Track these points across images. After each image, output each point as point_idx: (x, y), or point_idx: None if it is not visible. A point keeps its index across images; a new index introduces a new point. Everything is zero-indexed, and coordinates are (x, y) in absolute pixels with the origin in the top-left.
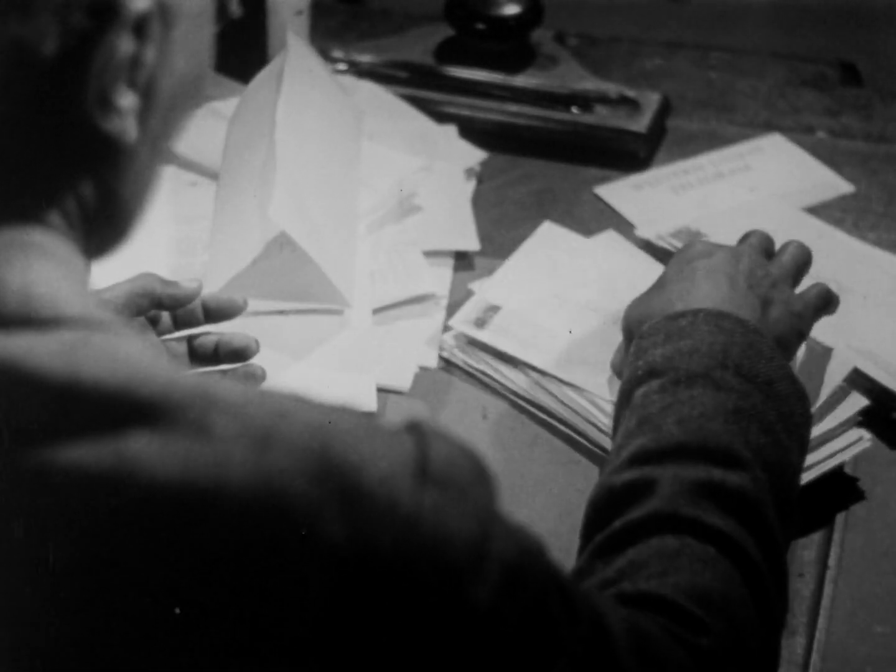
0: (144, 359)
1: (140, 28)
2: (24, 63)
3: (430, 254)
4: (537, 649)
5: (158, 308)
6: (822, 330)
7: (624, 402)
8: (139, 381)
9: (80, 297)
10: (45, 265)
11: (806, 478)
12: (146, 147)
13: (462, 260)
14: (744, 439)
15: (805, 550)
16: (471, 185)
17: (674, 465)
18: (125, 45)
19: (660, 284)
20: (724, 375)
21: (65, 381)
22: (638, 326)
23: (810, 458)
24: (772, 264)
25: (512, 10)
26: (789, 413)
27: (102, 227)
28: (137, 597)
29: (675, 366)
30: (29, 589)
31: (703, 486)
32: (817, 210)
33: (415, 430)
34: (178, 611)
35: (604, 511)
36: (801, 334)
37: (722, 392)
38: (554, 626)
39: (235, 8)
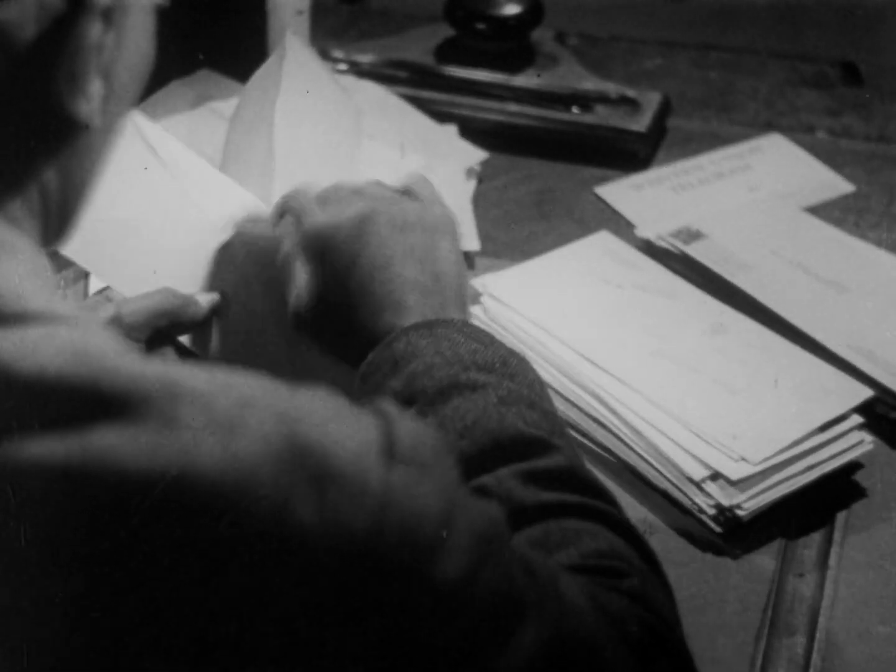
0: (109, 352)
1: (107, 14)
2: (3, 47)
3: None
4: (506, 615)
5: (176, 328)
6: (823, 330)
7: None
8: (104, 375)
9: (44, 292)
10: (9, 261)
11: (807, 479)
12: (103, 132)
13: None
14: (523, 422)
15: (806, 550)
16: (471, 185)
17: (486, 473)
18: (95, 30)
19: (339, 281)
20: (469, 376)
21: (30, 375)
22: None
23: (812, 460)
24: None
25: (512, 9)
26: (530, 379)
27: (57, 216)
28: (108, 590)
29: (418, 389)
30: None
31: (526, 477)
32: (817, 210)
33: (378, 410)
34: (150, 601)
35: None
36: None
37: (478, 391)
38: (520, 591)
39: None
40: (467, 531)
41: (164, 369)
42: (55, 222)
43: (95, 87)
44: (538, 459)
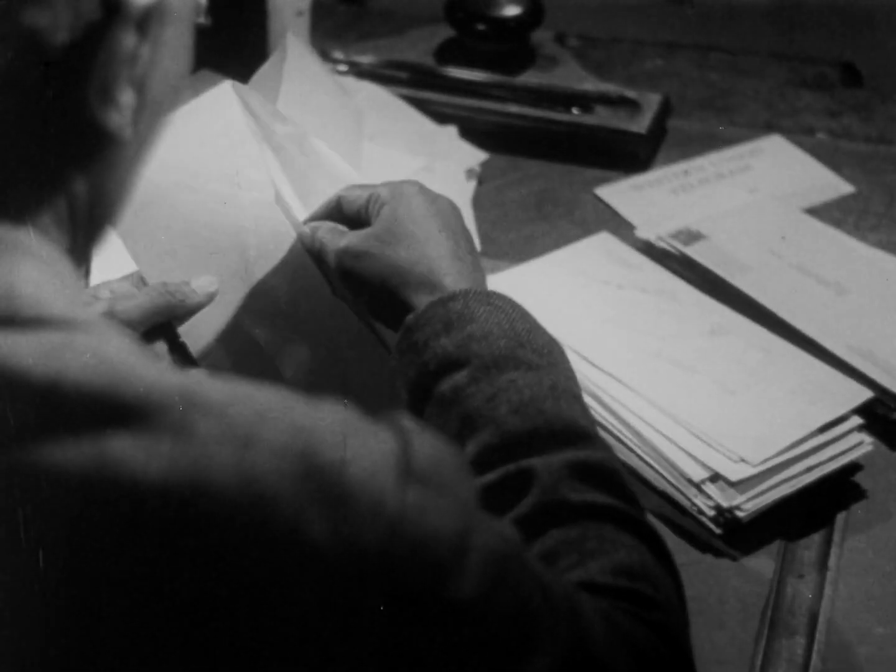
0: (127, 359)
1: (142, 24)
2: (36, 53)
3: None
4: (520, 638)
5: (172, 320)
6: (823, 331)
7: (421, 398)
8: (122, 382)
9: (64, 297)
10: (30, 265)
11: (807, 480)
12: (134, 145)
13: None
14: (573, 412)
15: (805, 551)
16: (471, 186)
17: (535, 455)
18: (128, 40)
19: (390, 235)
20: (525, 354)
21: (47, 381)
22: (380, 285)
23: (811, 461)
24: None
25: (512, 11)
26: (571, 372)
27: (88, 225)
28: (121, 599)
29: (473, 352)
30: (11, 589)
31: (573, 468)
32: (818, 211)
33: (396, 426)
34: (162, 612)
35: None
36: None
37: (532, 371)
38: (535, 615)
39: (205, 18)
40: (483, 552)
41: (181, 378)
42: (84, 233)
43: (127, 98)
44: (588, 452)
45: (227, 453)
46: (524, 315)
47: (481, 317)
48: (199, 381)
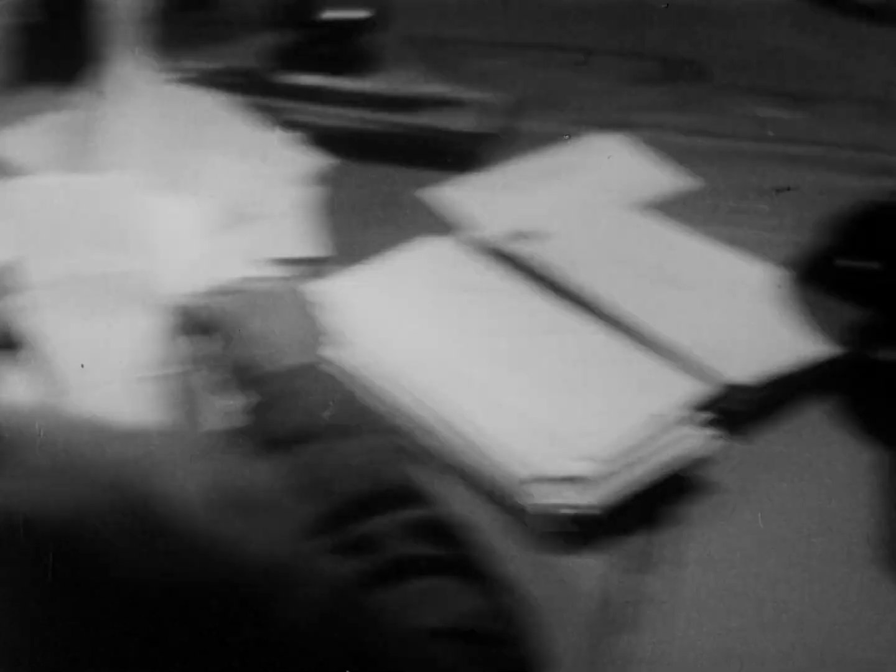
0: None
1: None
2: None
3: (279, 261)
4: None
5: None
6: (663, 327)
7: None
8: None
9: None
10: None
11: (655, 475)
12: None
13: (311, 266)
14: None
15: (653, 547)
16: (314, 192)
17: (376, 515)
18: None
19: None
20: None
21: None
22: None
23: (658, 457)
24: None
25: (353, 14)
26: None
27: None
28: None
29: None
30: None
31: (412, 526)
32: (664, 207)
33: (218, 456)
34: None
35: None
36: None
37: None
38: (366, 654)
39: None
40: (311, 586)
41: (3, 409)
42: None
43: None
44: (424, 511)
45: (47, 484)
46: None
47: None
48: (22, 410)
